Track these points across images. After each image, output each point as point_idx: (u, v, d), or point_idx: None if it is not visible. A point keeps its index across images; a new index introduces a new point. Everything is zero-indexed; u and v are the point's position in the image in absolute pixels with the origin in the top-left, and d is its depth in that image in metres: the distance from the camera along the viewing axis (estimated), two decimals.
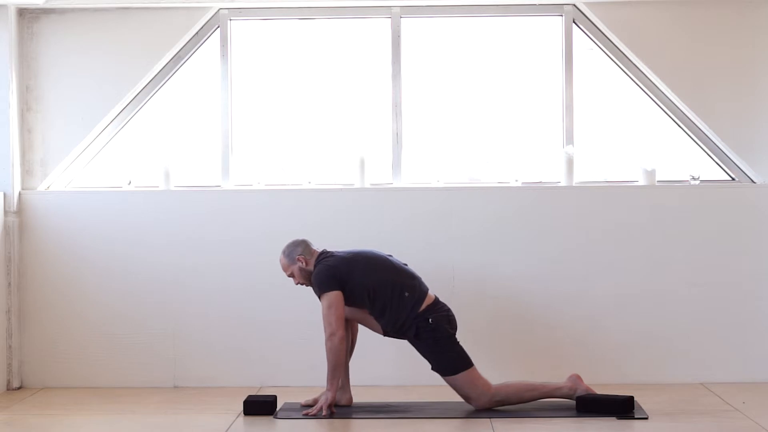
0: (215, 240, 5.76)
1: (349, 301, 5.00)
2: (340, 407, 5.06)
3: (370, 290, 4.98)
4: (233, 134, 5.97)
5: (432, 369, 5.02)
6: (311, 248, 5.13)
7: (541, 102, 6.00)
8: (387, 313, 4.99)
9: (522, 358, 5.67)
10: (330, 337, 4.91)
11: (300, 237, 5.17)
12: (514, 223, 5.73)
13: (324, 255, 5.09)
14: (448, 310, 5.06)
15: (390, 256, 5.17)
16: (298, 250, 5.10)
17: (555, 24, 5.97)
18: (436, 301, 5.06)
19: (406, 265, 5.15)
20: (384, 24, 5.98)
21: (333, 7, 5.91)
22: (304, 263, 5.07)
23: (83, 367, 5.75)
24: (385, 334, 5.09)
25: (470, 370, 4.96)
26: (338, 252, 5.11)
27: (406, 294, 4.98)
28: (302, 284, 5.14)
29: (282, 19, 6.00)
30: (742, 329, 5.70)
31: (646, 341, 5.70)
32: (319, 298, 5.00)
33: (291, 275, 5.13)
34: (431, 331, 4.96)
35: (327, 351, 4.93)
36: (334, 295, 4.94)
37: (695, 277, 5.71)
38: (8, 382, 5.69)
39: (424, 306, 4.99)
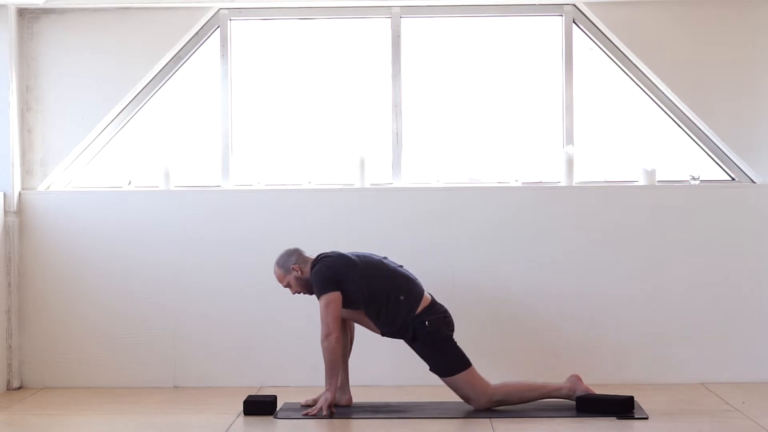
0: (215, 240, 5.76)
1: (345, 303, 5.00)
2: (339, 407, 5.07)
3: (366, 295, 4.98)
4: (233, 134, 5.97)
5: (430, 370, 5.02)
6: (304, 255, 5.12)
7: (541, 102, 6.00)
8: (383, 316, 4.99)
9: (522, 358, 5.67)
10: (326, 337, 4.91)
11: (291, 246, 5.15)
12: (514, 223, 5.73)
13: (320, 256, 5.08)
14: (446, 311, 5.05)
15: (385, 258, 5.17)
16: (291, 259, 5.08)
17: (555, 24, 5.97)
18: (433, 302, 5.05)
19: (401, 266, 5.15)
20: (384, 24, 5.98)
21: (333, 7, 5.91)
22: (299, 272, 5.06)
23: (83, 367, 5.75)
24: (383, 334, 5.10)
25: (468, 370, 4.96)
26: (334, 252, 5.10)
27: (402, 298, 4.98)
28: (299, 293, 5.13)
29: (282, 19, 6.00)
30: (742, 329, 5.70)
31: (646, 341, 5.70)
32: (318, 297, 5.00)
33: (287, 285, 5.12)
34: (428, 333, 4.96)
35: (323, 351, 4.92)
36: (333, 296, 4.94)
37: (695, 277, 5.71)
38: (8, 382, 5.69)
39: (420, 308, 4.99)
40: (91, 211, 5.78)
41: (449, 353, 4.97)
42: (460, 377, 4.95)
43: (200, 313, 5.76)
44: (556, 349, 5.70)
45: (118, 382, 5.73)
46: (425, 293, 5.05)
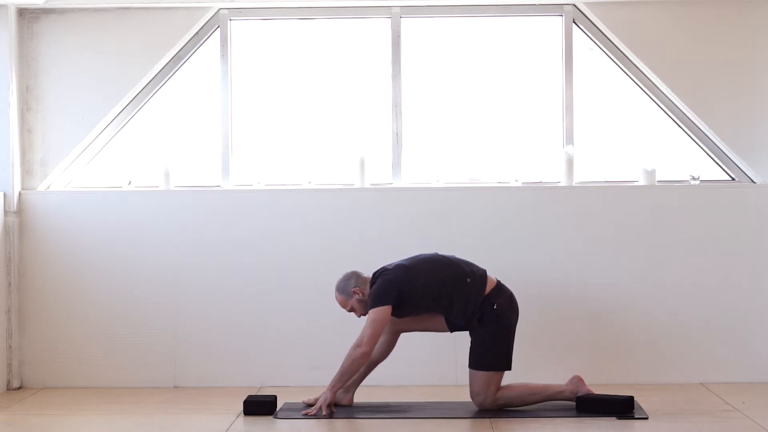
0: (215, 240, 5.76)
1: (417, 308, 4.98)
2: (340, 407, 5.07)
3: (433, 290, 4.94)
4: (233, 134, 5.97)
5: (470, 365, 4.97)
6: (363, 276, 5.07)
7: (541, 102, 6.00)
8: (455, 305, 4.95)
9: (522, 358, 5.64)
10: (356, 347, 4.88)
11: (348, 270, 5.10)
12: (514, 223, 5.73)
13: (380, 271, 5.03)
14: (511, 294, 5.04)
15: (436, 253, 5.15)
16: (351, 282, 5.04)
17: (555, 24, 5.97)
18: (500, 284, 5.04)
19: (453, 256, 5.13)
20: (384, 24, 5.98)
21: (333, 7, 5.91)
22: (360, 294, 5.02)
23: (83, 367, 5.75)
24: (452, 329, 5.06)
25: (500, 373, 4.96)
26: (391, 264, 5.04)
27: (468, 280, 4.96)
28: (364, 315, 5.03)
29: (282, 19, 6.00)
30: (742, 329, 5.70)
31: (646, 341, 5.70)
32: (369, 308, 4.93)
33: (351, 310, 5.07)
34: (495, 317, 4.94)
35: (347, 357, 4.90)
36: (382, 312, 4.88)
37: (695, 277, 5.71)
38: (8, 382, 5.69)
39: (488, 289, 4.97)
40: (91, 211, 5.78)
41: (501, 346, 4.95)
42: (490, 375, 4.94)
43: (200, 313, 5.76)
44: (556, 349, 5.70)
45: (118, 382, 5.73)
46: (488, 275, 5.04)
